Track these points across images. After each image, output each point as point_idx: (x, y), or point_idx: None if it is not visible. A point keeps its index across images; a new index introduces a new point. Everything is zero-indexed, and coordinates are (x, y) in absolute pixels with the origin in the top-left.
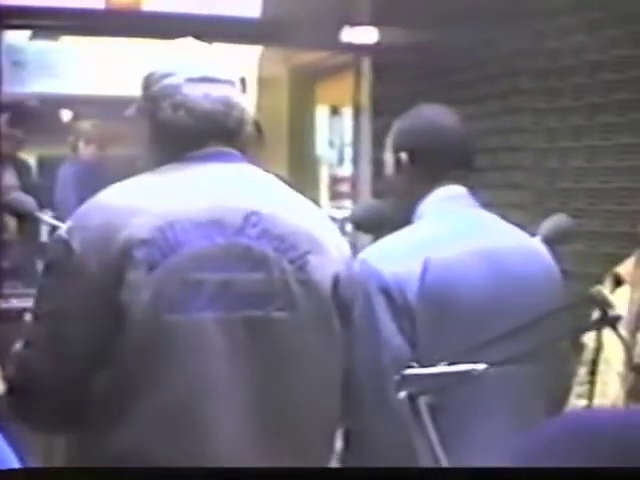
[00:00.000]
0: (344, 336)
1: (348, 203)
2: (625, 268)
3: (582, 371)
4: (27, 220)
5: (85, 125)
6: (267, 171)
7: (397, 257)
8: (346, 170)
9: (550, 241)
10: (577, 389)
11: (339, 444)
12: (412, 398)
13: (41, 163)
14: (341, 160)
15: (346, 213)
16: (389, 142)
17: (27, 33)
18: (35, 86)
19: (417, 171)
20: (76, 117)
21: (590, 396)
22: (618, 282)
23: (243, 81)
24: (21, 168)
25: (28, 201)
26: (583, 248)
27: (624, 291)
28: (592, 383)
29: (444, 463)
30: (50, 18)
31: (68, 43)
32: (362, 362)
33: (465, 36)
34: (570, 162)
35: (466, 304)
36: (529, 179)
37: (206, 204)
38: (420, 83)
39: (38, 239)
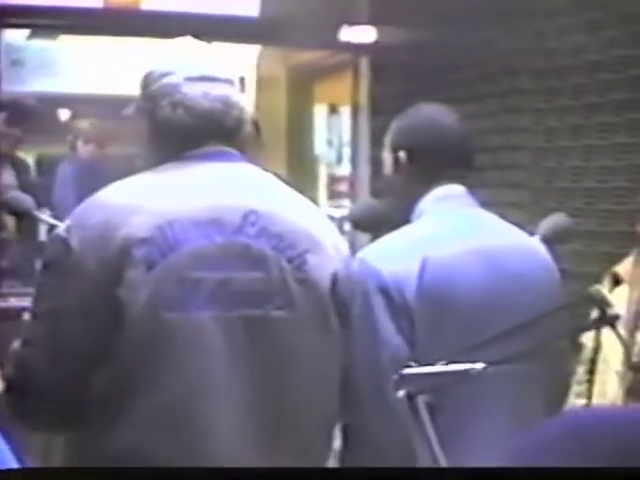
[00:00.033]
0: (342, 335)
1: (346, 202)
2: (623, 267)
3: (581, 370)
4: (25, 219)
5: (84, 124)
6: (266, 170)
7: (395, 256)
8: (344, 169)
9: (549, 240)
10: (576, 388)
11: (338, 442)
12: (411, 397)
13: (40, 162)
14: (339, 159)
15: (344, 212)
16: (387, 141)
17: (26, 32)
18: (34, 85)
19: (415, 170)
20: (75, 116)
21: (589, 395)
22: (616, 281)
23: (242, 80)
24: (19, 167)
25: (26, 200)
26: (581, 247)
27: (623, 290)
28: (591, 382)
29: (443, 462)
30: (49, 17)
31: (67, 42)
32: (361, 361)
33: (464, 35)
34: (568, 161)
35: (464, 303)
36: (528, 178)
37: (205, 203)
38: (418, 82)
39: (36, 238)
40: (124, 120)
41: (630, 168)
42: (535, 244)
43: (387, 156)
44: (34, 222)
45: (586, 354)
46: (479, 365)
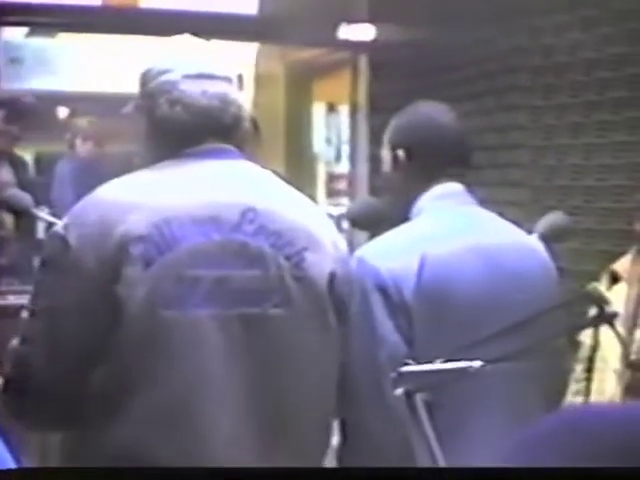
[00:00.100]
0: (340, 332)
1: (345, 200)
2: (622, 265)
3: (579, 368)
4: (24, 217)
5: (82, 122)
6: (264, 168)
7: (394, 254)
8: (343, 167)
9: (547, 238)
10: (574, 386)
11: (336, 440)
12: (409, 395)
13: (38, 160)
14: (338, 157)
15: (343, 210)
16: (386, 139)
17: (24, 30)
18: (32, 83)
19: (414, 168)
20: (73, 114)
21: (587, 393)
22: (615, 279)
23: (240, 78)
24: (18, 165)
25: (25, 198)
26: (579, 245)
27: (621, 288)
28: (589, 380)
29: (441, 460)
30: (47, 15)
31: (65, 40)
32: (359, 359)
33: (462, 33)
34: (567, 159)
35: (462, 301)
36: (526, 176)
37: (203, 201)
38: (417, 80)
39: (35, 236)
40: (123, 118)
41: (629, 166)
42: (533, 242)
43: (386, 154)
44: (32, 220)
45: (584, 352)
46: (477, 363)
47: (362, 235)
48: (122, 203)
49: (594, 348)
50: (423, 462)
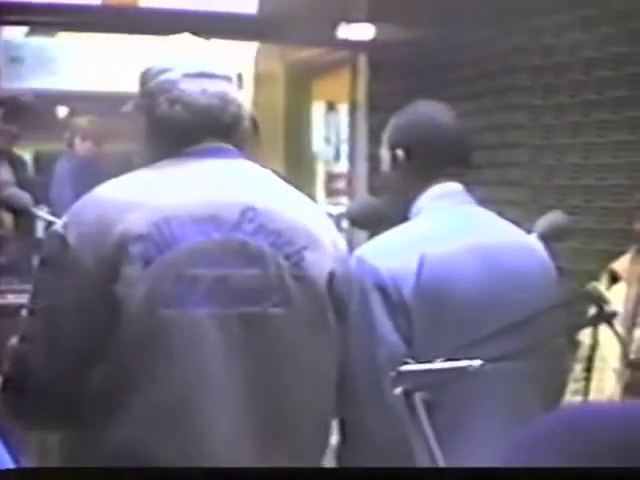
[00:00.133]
0: (340, 332)
1: (344, 200)
2: (621, 265)
3: (578, 368)
4: (23, 216)
5: (82, 121)
6: (263, 167)
7: (393, 254)
8: (342, 167)
9: (546, 238)
10: (573, 386)
11: (335, 439)
12: (408, 394)
13: (37, 159)
14: (337, 157)
15: (342, 209)
16: (385, 138)
17: (24, 29)
18: (32, 82)
19: (413, 168)
20: (73, 113)
21: (586, 393)
22: (614, 279)
23: (240, 77)
24: (17, 164)
25: (24, 197)
26: (578, 245)
27: (620, 287)
28: (588, 380)
29: (440, 459)
30: (47, 14)
31: (65, 39)
32: (358, 358)
33: (461, 33)
34: (566, 159)
35: (461, 300)
36: (525, 176)
37: (202, 200)
38: (416, 79)
39: (34, 235)
40: (122, 117)
41: (628, 166)
42: (532, 242)
43: (385, 154)
44: (32, 219)
45: (583, 351)
46: (476, 362)
47: (361, 234)
48: (121, 202)
49: (593, 347)
50: (422, 462)
